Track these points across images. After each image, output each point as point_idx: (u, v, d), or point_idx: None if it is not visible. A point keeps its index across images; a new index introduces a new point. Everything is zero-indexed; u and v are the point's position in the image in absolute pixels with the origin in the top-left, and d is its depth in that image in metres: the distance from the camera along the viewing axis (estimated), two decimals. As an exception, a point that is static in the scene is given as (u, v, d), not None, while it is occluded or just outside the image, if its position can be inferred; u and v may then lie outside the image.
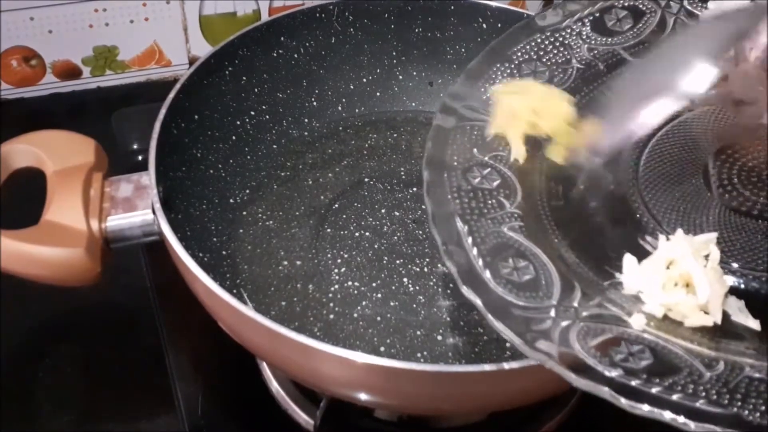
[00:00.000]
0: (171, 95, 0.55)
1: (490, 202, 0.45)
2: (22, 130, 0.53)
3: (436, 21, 0.67)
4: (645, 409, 0.34)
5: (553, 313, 0.39)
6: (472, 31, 0.66)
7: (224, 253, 0.56)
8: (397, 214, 0.60)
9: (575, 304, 0.40)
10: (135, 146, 0.71)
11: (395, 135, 0.66)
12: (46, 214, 0.49)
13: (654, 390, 0.35)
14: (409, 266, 0.56)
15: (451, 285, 0.54)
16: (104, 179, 0.51)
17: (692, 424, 0.33)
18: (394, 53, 0.68)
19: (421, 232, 0.58)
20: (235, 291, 0.53)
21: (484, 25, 0.66)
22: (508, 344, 0.51)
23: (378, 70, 0.68)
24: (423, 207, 0.60)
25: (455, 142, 0.48)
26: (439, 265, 0.56)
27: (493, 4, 0.65)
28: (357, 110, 0.68)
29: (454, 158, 0.47)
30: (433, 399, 0.43)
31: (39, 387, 0.55)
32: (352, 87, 0.68)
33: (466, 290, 0.40)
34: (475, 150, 0.47)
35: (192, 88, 0.57)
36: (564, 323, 0.38)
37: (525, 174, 0.47)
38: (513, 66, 0.51)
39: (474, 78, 0.51)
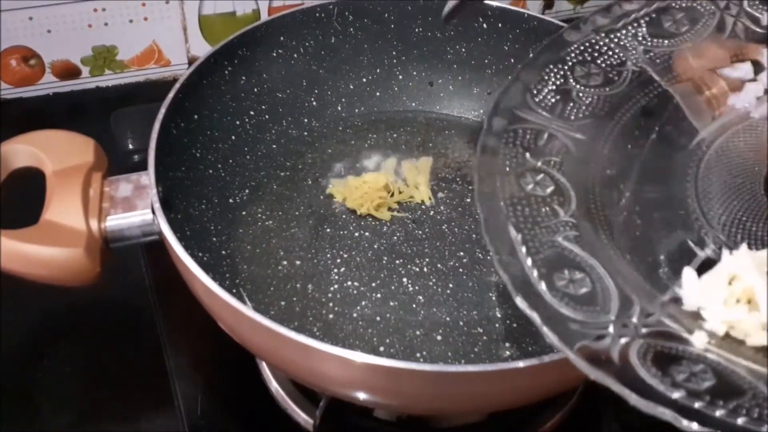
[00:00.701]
0: (170, 95, 0.54)
1: (543, 209, 0.43)
2: (21, 129, 0.53)
3: (436, 21, 0.67)
4: None
5: (611, 329, 0.37)
6: (472, 31, 0.66)
7: (224, 252, 0.56)
8: (396, 214, 0.60)
9: (634, 320, 0.38)
10: (134, 146, 0.71)
11: (395, 135, 0.66)
12: (46, 214, 0.48)
13: (718, 413, 0.33)
14: (409, 266, 0.56)
15: (450, 285, 0.54)
16: (103, 179, 0.51)
17: None
18: (394, 53, 0.68)
19: (420, 232, 0.58)
20: (234, 291, 0.53)
21: (485, 25, 0.66)
22: (507, 344, 0.51)
23: (378, 70, 0.68)
24: (423, 207, 0.60)
25: (507, 147, 0.46)
26: (439, 265, 0.56)
27: (493, 4, 0.65)
28: (357, 110, 0.68)
29: (506, 163, 0.45)
30: (432, 399, 0.43)
31: (38, 387, 0.55)
32: (351, 87, 0.68)
33: (520, 302, 0.38)
34: (527, 155, 0.46)
35: (191, 88, 0.57)
36: (623, 340, 0.37)
37: (579, 181, 0.45)
38: (566, 68, 0.50)
39: (526, 80, 0.49)
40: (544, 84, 0.49)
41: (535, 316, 0.38)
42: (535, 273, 0.40)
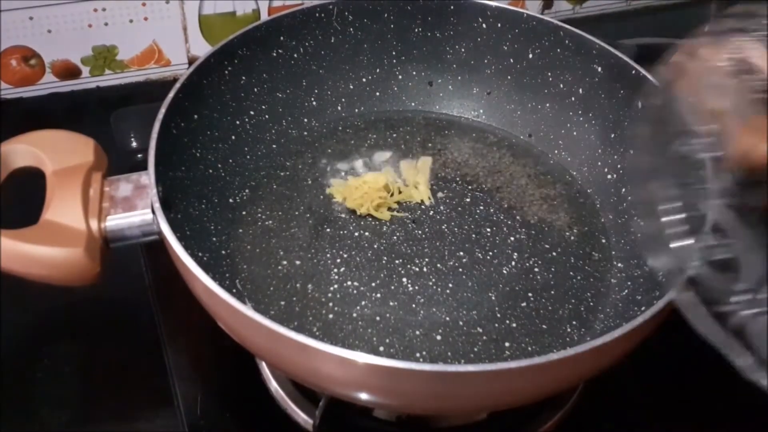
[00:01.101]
0: (170, 95, 0.54)
1: (703, 172, 0.42)
2: (21, 129, 0.53)
3: (436, 21, 0.67)
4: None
5: (740, 297, 0.38)
6: (472, 31, 0.66)
7: (223, 252, 0.56)
8: (396, 214, 0.60)
9: (764, 296, 0.38)
10: (134, 146, 0.71)
11: (395, 135, 0.66)
12: (46, 214, 0.49)
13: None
14: (409, 266, 0.56)
15: (450, 285, 0.54)
16: (103, 179, 0.51)
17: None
18: (393, 53, 0.68)
19: (420, 232, 0.58)
20: (234, 290, 0.53)
21: (484, 25, 0.66)
22: (507, 344, 0.51)
23: (377, 70, 0.68)
24: (422, 207, 0.60)
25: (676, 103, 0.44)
26: (438, 265, 0.56)
27: (493, 4, 0.65)
28: (356, 110, 0.68)
29: (677, 117, 0.44)
30: (432, 399, 0.43)
31: (38, 387, 0.55)
32: (351, 87, 0.68)
33: (649, 256, 0.40)
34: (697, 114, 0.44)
35: (191, 88, 0.57)
36: (748, 312, 0.37)
37: (748, 152, 0.43)
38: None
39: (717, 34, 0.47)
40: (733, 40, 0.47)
41: (658, 265, 0.39)
42: (677, 229, 0.39)
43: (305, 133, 0.65)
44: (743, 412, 0.54)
